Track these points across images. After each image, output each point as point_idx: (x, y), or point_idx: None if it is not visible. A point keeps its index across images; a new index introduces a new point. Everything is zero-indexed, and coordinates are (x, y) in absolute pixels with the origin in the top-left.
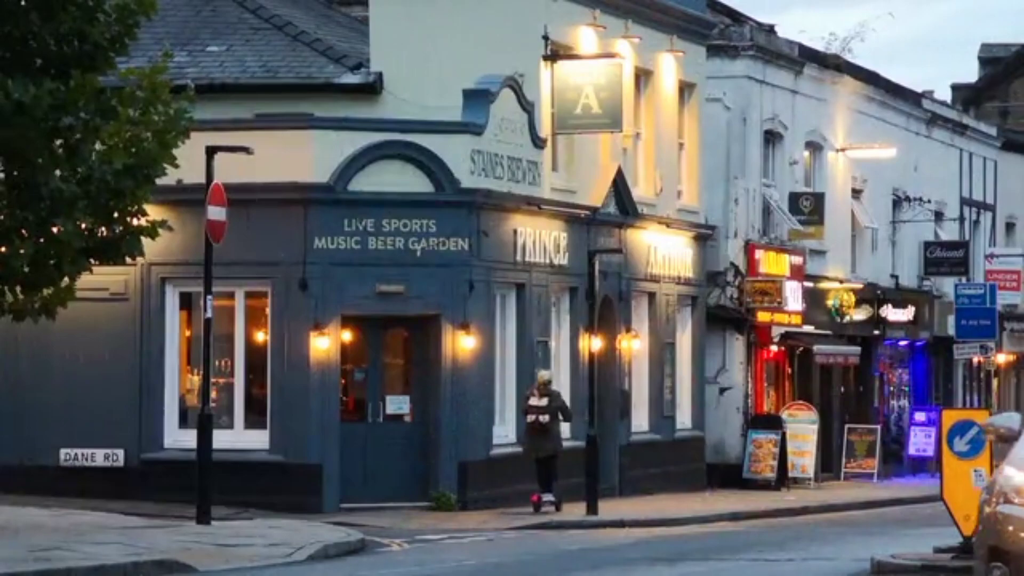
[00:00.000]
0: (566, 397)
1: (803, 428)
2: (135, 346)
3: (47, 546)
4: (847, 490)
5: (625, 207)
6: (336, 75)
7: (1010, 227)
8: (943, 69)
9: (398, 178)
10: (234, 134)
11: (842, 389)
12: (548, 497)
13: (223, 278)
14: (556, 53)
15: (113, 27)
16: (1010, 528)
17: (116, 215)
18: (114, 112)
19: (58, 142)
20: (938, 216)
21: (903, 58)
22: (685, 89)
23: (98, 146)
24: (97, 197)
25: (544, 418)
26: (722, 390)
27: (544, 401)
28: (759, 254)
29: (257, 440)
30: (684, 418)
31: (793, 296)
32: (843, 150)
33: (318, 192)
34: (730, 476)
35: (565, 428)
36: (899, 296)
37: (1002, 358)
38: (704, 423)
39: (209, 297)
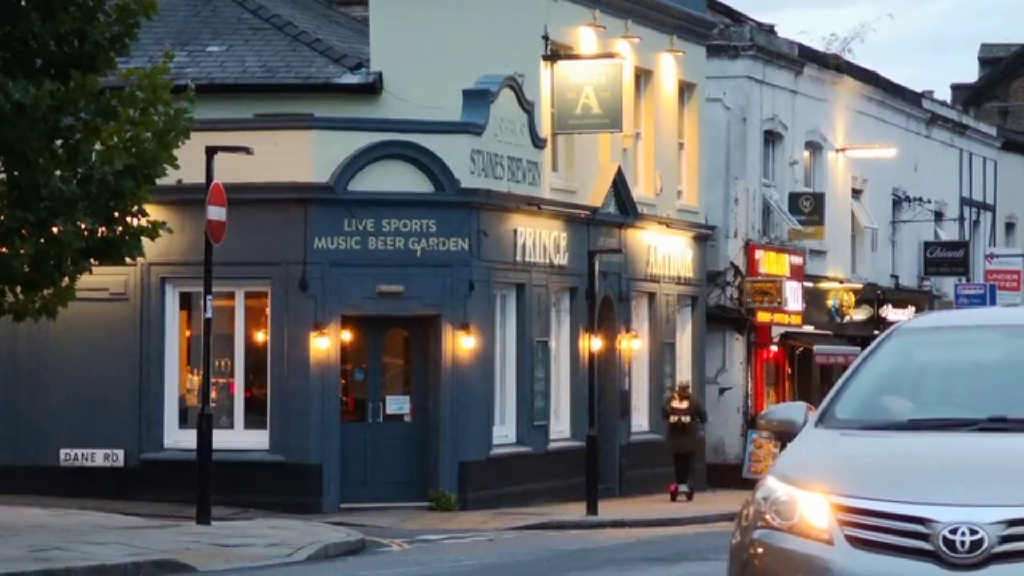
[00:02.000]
0: (566, 397)
1: None
2: (135, 346)
3: (47, 546)
4: None
5: (625, 207)
6: (336, 75)
7: (1010, 227)
8: (943, 69)
9: (398, 178)
10: (234, 134)
11: None
12: (683, 488)
13: (223, 278)
14: (556, 53)
15: (113, 27)
16: (764, 558)
17: (116, 215)
18: (114, 112)
19: (58, 142)
20: (938, 216)
21: (903, 58)
22: (685, 89)
23: (98, 146)
24: (97, 197)
25: (686, 419)
26: (722, 390)
27: (685, 404)
28: (759, 254)
29: (257, 440)
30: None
31: (793, 296)
32: (843, 150)
33: (318, 192)
34: (730, 476)
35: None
36: (899, 296)
37: None
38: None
39: (209, 297)
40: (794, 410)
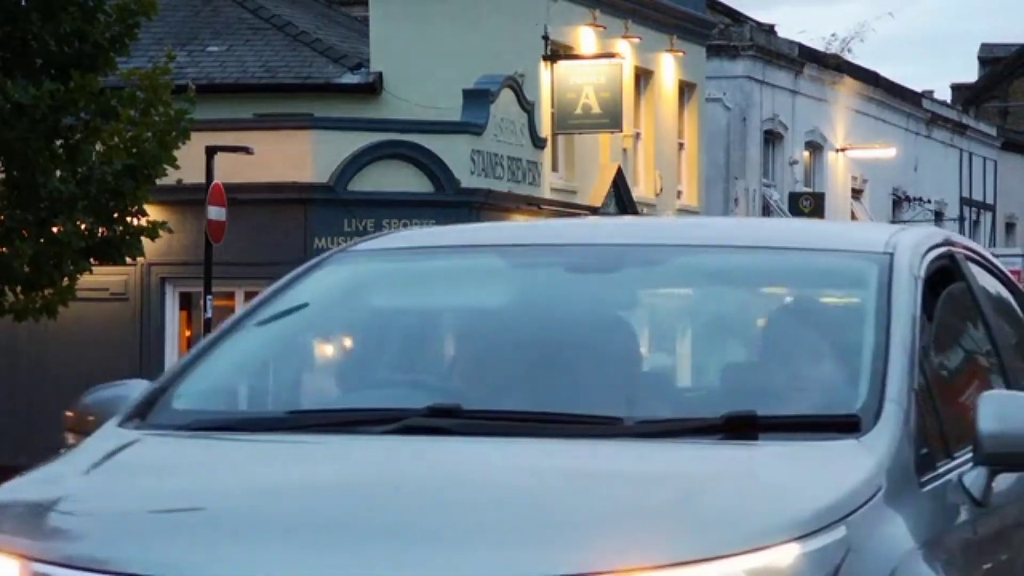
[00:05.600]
0: None
1: None
2: (135, 346)
3: None
4: None
5: (625, 207)
6: (336, 75)
7: (1010, 227)
8: (943, 69)
9: (398, 178)
10: (234, 134)
11: None
12: None
13: (223, 278)
14: (556, 53)
15: (113, 27)
16: None
17: (116, 215)
18: (114, 112)
19: (58, 142)
20: (938, 216)
21: (903, 57)
22: (685, 89)
23: (98, 146)
24: (97, 197)
25: None
26: None
27: None
28: None
29: None
30: None
31: None
32: (843, 150)
33: (318, 192)
34: None
35: None
36: None
37: None
38: None
39: (209, 297)
40: (127, 391)
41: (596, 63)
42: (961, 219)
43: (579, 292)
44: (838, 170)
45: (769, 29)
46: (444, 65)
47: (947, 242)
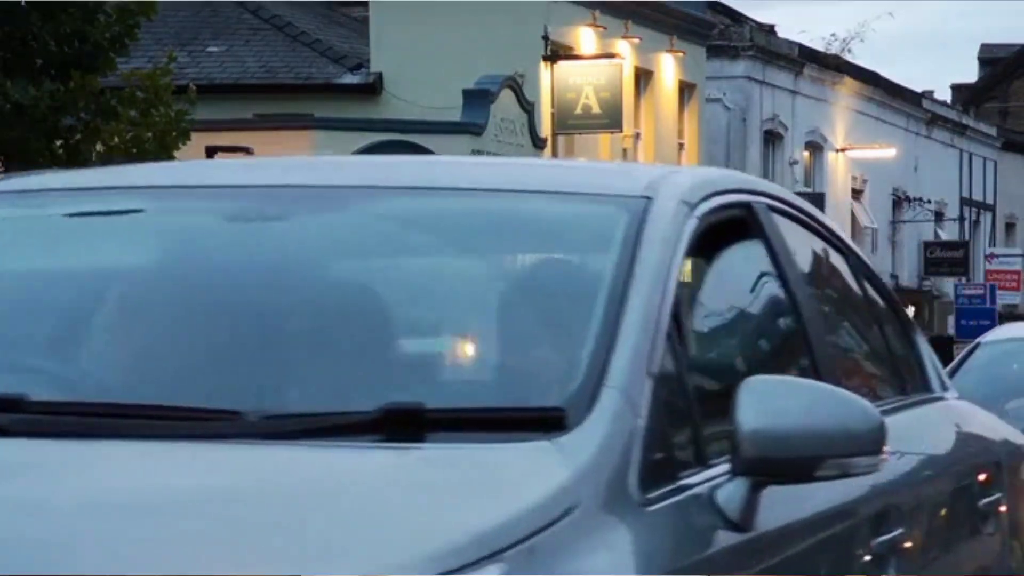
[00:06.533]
0: None
1: None
2: None
3: None
4: None
5: None
6: (336, 75)
7: (1010, 227)
8: (943, 69)
9: None
10: (234, 134)
11: None
12: None
13: None
14: (556, 53)
15: (113, 28)
16: None
17: None
18: (114, 113)
19: (58, 142)
20: (938, 216)
21: (903, 57)
22: (685, 89)
23: (98, 147)
24: None
25: None
26: None
27: None
28: None
29: None
30: None
31: None
32: (843, 150)
33: None
34: None
35: None
36: (899, 296)
37: None
38: None
39: None
40: None
41: (596, 63)
42: (961, 219)
43: (231, 246)
44: (838, 170)
45: (769, 29)
46: (444, 65)
47: (742, 189)
